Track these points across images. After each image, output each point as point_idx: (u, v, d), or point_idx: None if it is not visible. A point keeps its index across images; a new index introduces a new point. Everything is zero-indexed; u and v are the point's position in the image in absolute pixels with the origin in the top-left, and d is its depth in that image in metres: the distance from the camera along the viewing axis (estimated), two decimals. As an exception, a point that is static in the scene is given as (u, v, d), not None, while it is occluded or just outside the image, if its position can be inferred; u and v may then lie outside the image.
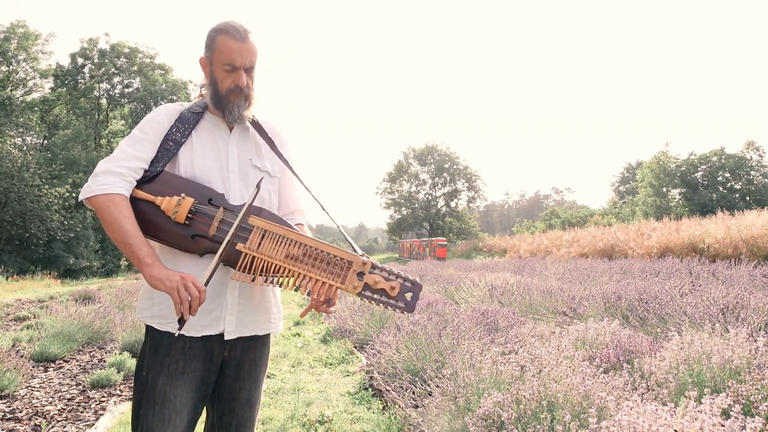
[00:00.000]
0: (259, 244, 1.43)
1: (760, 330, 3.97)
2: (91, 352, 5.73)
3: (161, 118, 1.57)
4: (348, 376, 4.66)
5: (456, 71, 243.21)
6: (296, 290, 1.45)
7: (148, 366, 1.48)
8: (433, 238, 37.47)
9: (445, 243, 35.44)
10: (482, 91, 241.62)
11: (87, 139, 32.41)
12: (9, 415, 3.52)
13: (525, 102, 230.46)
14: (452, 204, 51.93)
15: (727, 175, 34.30)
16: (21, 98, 32.13)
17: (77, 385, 4.33)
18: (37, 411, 3.63)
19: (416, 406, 3.38)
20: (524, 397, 2.34)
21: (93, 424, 3.39)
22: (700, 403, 1.87)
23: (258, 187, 1.48)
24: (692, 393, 1.89)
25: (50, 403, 3.83)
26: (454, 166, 51.80)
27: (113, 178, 1.45)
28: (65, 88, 33.93)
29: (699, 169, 34.96)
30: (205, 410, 1.63)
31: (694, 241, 13.65)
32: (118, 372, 4.46)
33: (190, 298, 1.36)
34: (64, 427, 3.35)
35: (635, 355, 3.30)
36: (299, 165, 1.71)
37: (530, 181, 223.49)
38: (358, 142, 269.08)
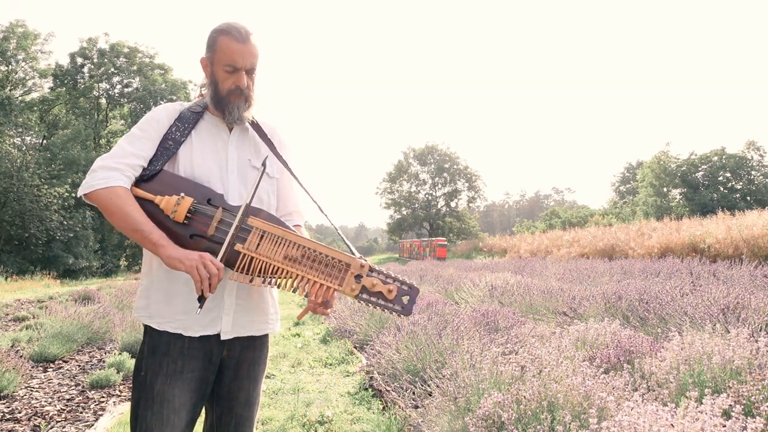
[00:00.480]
0: (258, 244, 1.43)
1: (760, 330, 3.96)
2: (90, 352, 5.73)
3: (161, 116, 1.57)
4: (348, 376, 4.65)
5: (456, 71, 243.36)
6: (294, 291, 1.44)
7: (147, 366, 1.48)
8: (433, 238, 37.48)
9: (445, 243, 35.44)
10: (482, 91, 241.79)
11: (86, 138, 32.41)
12: (8, 416, 3.51)
13: (525, 102, 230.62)
14: (452, 204, 51.95)
15: (728, 175, 34.31)
16: (20, 98, 32.14)
17: (76, 385, 4.33)
18: (37, 411, 3.62)
19: (416, 407, 3.37)
20: (524, 397, 2.33)
21: (92, 425, 3.39)
22: (701, 403, 1.86)
23: (264, 164, 1.49)
24: (693, 393, 1.88)
25: (49, 403, 3.82)
26: (455, 166, 51.80)
27: (111, 172, 1.44)
28: (64, 88, 33.94)
29: (700, 169, 34.97)
30: (204, 410, 1.63)
31: (694, 241, 13.65)
32: (118, 372, 4.46)
33: (209, 276, 1.36)
34: (64, 427, 3.35)
35: (636, 355, 3.30)
36: (299, 166, 1.71)
37: (530, 181, 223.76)
38: (358, 142, 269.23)
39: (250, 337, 1.60)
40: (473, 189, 51.81)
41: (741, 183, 34.18)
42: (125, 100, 35.73)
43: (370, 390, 4.07)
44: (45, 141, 32.39)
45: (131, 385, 1.53)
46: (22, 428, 3.29)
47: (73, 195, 27.43)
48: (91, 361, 5.26)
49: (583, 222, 37.73)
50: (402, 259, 38.40)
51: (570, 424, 2.03)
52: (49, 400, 3.90)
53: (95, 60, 34.35)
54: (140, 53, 35.32)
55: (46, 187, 26.09)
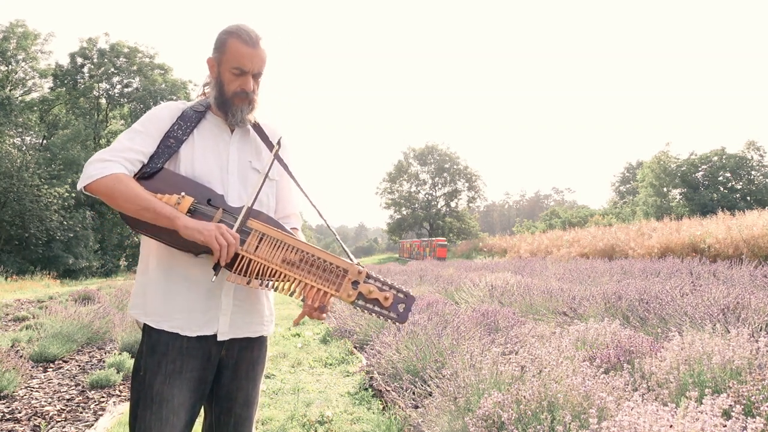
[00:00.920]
0: (257, 247, 1.44)
1: (761, 330, 3.96)
2: (90, 352, 5.73)
3: (163, 114, 1.57)
4: (348, 376, 4.65)
5: (456, 71, 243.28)
6: (291, 295, 1.45)
7: (146, 366, 1.48)
8: (433, 238, 37.48)
9: (445, 243, 35.44)
10: (482, 91, 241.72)
11: (86, 138, 32.40)
12: (8, 416, 3.51)
13: (525, 102, 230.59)
14: (452, 204, 51.95)
15: (728, 175, 34.30)
16: (20, 98, 32.12)
17: (76, 385, 4.32)
18: (36, 411, 3.62)
19: (416, 407, 3.37)
20: (524, 397, 2.33)
21: (92, 425, 3.38)
22: (701, 403, 1.86)
23: (274, 154, 1.50)
24: (693, 393, 1.88)
25: (49, 403, 3.82)
26: (455, 166, 51.80)
27: (108, 163, 1.44)
28: (64, 88, 33.92)
29: (700, 169, 34.96)
30: (202, 410, 1.63)
31: (694, 241, 13.65)
32: (118, 372, 4.46)
33: (228, 245, 1.38)
34: (64, 427, 3.35)
35: (636, 355, 3.30)
36: (299, 166, 1.71)
37: (530, 181, 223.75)
38: (358, 142, 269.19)
39: (249, 338, 1.60)
40: (473, 189, 51.82)
41: (741, 183, 34.17)
42: (125, 100, 35.72)
43: (370, 390, 4.07)
44: (45, 141, 32.37)
45: (130, 385, 1.52)
46: (22, 428, 3.29)
47: (73, 195, 27.42)
48: (91, 361, 5.26)
49: (583, 222, 37.73)
50: (402, 259, 38.39)
51: (570, 424, 2.03)
52: (49, 400, 3.90)
53: (95, 60, 34.33)
54: (140, 53, 35.31)
55: (46, 187, 26.08)
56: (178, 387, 1.46)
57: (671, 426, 1.67)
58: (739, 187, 33.98)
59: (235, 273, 1.44)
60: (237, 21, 1.59)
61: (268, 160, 1.66)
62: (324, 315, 1.47)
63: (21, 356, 4.55)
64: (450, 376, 2.95)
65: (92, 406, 3.79)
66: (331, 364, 5.11)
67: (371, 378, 4.33)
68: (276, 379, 4.55)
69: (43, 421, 3.42)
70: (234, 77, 1.53)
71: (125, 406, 3.74)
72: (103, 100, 35.93)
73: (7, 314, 8.84)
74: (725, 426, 1.65)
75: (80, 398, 3.97)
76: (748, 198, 32.87)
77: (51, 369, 4.89)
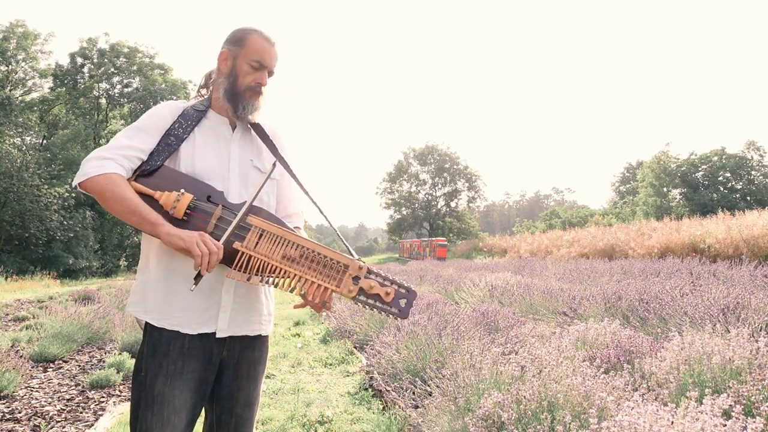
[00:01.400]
0: (257, 243, 1.43)
1: (761, 330, 3.96)
2: (90, 352, 5.73)
3: (164, 112, 1.57)
4: (348, 376, 4.65)
5: (456, 71, 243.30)
6: (291, 291, 1.44)
7: (147, 366, 1.48)
8: (433, 238, 37.47)
9: (445, 243, 35.44)
10: (482, 91, 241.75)
11: (86, 139, 32.39)
12: (8, 416, 3.51)
13: (525, 102, 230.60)
14: (452, 204, 51.95)
15: (728, 175, 34.30)
16: (20, 98, 32.12)
17: (76, 385, 4.33)
18: (37, 411, 3.62)
19: (416, 407, 3.37)
20: (524, 397, 2.33)
21: (92, 425, 3.38)
22: (701, 403, 1.86)
23: (274, 165, 1.50)
24: (693, 393, 1.88)
25: (49, 403, 3.82)
26: (455, 166, 51.81)
27: (106, 161, 1.44)
28: (64, 88, 33.92)
29: (700, 169, 34.96)
30: (203, 410, 1.63)
31: (694, 241, 13.65)
32: (118, 372, 4.46)
33: (209, 254, 1.36)
34: (64, 427, 3.35)
35: (636, 355, 3.30)
36: (298, 166, 1.71)
37: (530, 181, 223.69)
38: (358, 142, 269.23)
39: (250, 338, 1.60)
40: (473, 189, 51.83)
41: (741, 183, 34.17)
42: (125, 100, 35.72)
43: (370, 390, 4.07)
44: (45, 141, 32.37)
45: (131, 386, 1.52)
46: (22, 428, 3.29)
47: (73, 195, 27.42)
48: (91, 361, 5.26)
49: (583, 222, 37.73)
50: (402, 259, 38.39)
51: (570, 424, 2.03)
52: (49, 400, 3.90)
53: (95, 60, 34.33)
54: (140, 53, 35.31)
55: (46, 187, 26.08)
56: (180, 388, 1.46)
57: (671, 426, 1.67)
58: (739, 187, 33.98)
59: (235, 270, 1.43)
60: (238, 21, 1.59)
61: (269, 160, 1.66)
62: (325, 309, 1.47)
63: (21, 356, 4.56)
64: (450, 376, 2.95)
65: (92, 406, 3.79)
66: (331, 364, 5.10)
67: (371, 378, 4.33)
68: (276, 379, 4.55)
69: (43, 421, 3.42)
70: (251, 70, 1.56)
71: (125, 406, 3.74)
72: (103, 100, 35.93)
73: (7, 314, 8.84)
74: (725, 426, 1.65)
75: (80, 398, 3.97)
76: (748, 198, 32.87)
77: (51, 369, 4.89)
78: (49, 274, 23.23)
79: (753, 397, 2.20)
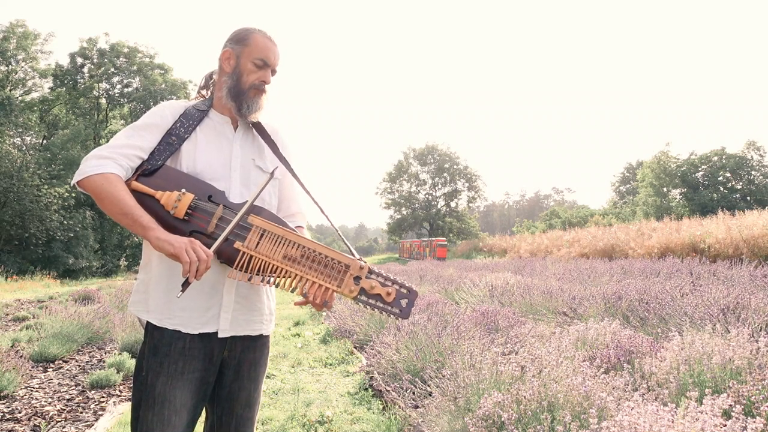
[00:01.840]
0: (258, 243, 1.43)
1: (761, 330, 3.96)
2: (90, 352, 5.73)
3: (165, 112, 1.57)
4: (348, 376, 4.65)
5: (456, 71, 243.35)
6: (293, 291, 1.44)
7: (148, 366, 1.48)
8: (433, 238, 37.47)
9: (445, 243, 35.43)
10: (482, 91, 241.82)
11: (86, 139, 32.38)
12: (8, 416, 3.51)
13: (525, 102, 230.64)
14: (452, 204, 51.93)
15: (728, 175, 34.31)
16: (20, 98, 32.11)
17: (76, 385, 4.32)
18: (37, 411, 3.62)
19: (416, 407, 3.37)
20: (524, 397, 2.33)
21: (92, 425, 3.38)
22: (701, 403, 1.86)
23: (272, 174, 1.50)
24: (693, 393, 1.88)
25: (49, 403, 3.82)
26: (455, 166, 51.79)
27: (104, 161, 1.44)
28: (64, 88, 33.91)
29: (700, 169, 34.97)
30: (204, 410, 1.63)
31: (694, 241, 13.65)
32: (118, 372, 4.46)
33: (198, 262, 1.35)
34: (64, 427, 3.35)
35: (636, 355, 3.30)
36: (299, 166, 1.71)
37: (530, 181, 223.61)
38: (358, 142, 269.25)
39: (251, 338, 1.60)
40: (473, 189, 51.81)
41: (741, 183, 34.19)
42: (125, 100, 35.71)
43: (370, 390, 4.07)
44: (45, 141, 32.37)
45: (132, 386, 1.52)
46: (22, 428, 3.29)
47: (73, 195, 27.42)
48: (91, 361, 5.26)
49: (583, 222, 37.72)
50: (402, 260, 38.39)
51: (570, 424, 2.03)
52: (49, 400, 3.90)
53: (95, 60, 34.33)
54: (140, 53, 35.31)
55: (46, 187, 26.07)
56: (180, 388, 1.46)
57: (671, 426, 1.67)
58: (739, 187, 34.00)
59: (236, 270, 1.43)
60: (238, 21, 1.60)
61: (270, 159, 1.66)
62: (326, 308, 1.47)
63: (21, 356, 4.56)
64: (450, 376, 2.95)
65: (92, 406, 3.79)
66: (331, 364, 5.11)
67: (371, 378, 4.33)
68: (276, 379, 4.55)
69: (43, 421, 3.42)
70: (255, 68, 1.57)
71: (125, 406, 3.74)
72: (103, 100, 35.93)
73: (7, 314, 8.85)
74: (725, 426, 1.65)
75: (80, 398, 3.97)
76: (748, 198, 32.88)
77: (51, 369, 4.89)
78: (49, 274, 23.23)
79: (753, 397, 2.20)
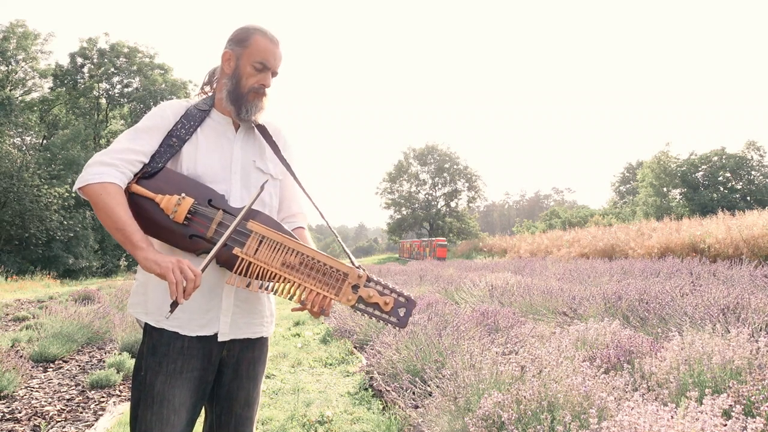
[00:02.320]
0: (256, 249, 1.43)
1: (761, 330, 3.96)
2: (90, 352, 5.72)
3: (166, 113, 1.55)
4: (348, 376, 4.65)
5: (456, 71, 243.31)
6: (290, 299, 1.44)
7: (146, 366, 1.48)
8: (433, 238, 37.46)
9: (445, 243, 35.43)
10: (482, 91, 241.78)
11: (86, 138, 32.40)
12: (8, 416, 3.51)
13: (525, 102, 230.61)
14: (452, 204, 51.93)
15: (728, 175, 34.32)
16: (20, 98, 32.13)
17: (76, 385, 4.32)
18: (37, 411, 3.62)
19: (416, 407, 3.37)
20: (524, 397, 2.33)
21: (92, 425, 3.38)
22: (701, 403, 1.86)
23: (261, 188, 1.48)
24: (693, 393, 1.88)
25: (49, 403, 3.82)
26: (455, 166, 51.79)
27: (107, 168, 1.43)
28: (64, 88, 33.93)
29: (700, 169, 34.98)
30: (203, 410, 1.63)
31: (694, 241, 13.64)
32: (118, 372, 4.46)
33: (185, 282, 1.33)
34: (64, 427, 3.35)
35: (636, 355, 3.30)
36: (300, 165, 1.71)
37: (530, 181, 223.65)
38: (358, 142, 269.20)
39: (251, 339, 1.60)
40: (473, 189, 51.80)
41: (741, 183, 34.20)
42: (125, 100, 35.72)
43: (370, 390, 4.07)
44: (45, 141, 32.38)
45: (131, 385, 1.51)
46: (22, 428, 3.29)
47: (73, 195, 27.42)
48: (91, 361, 5.26)
49: (583, 222, 37.72)
50: (402, 259, 38.38)
51: (570, 424, 2.03)
52: (49, 400, 3.90)
53: (95, 60, 34.34)
54: (140, 53, 35.32)
55: (46, 187, 26.08)
56: (179, 387, 1.46)
57: (671, 426, 1.67)
58: (739, 187, 34.00)
59: (235, 274, 1.43)
60: (238, 21, 1.58)
61: (271, 159, 1.65)
62: (323, 315, 1.47)
63: (21, 356, 4.56)
64: (450, 376, 2.95)
65: (92, 406, 3.79)
66: (331, 364, 5.10)
67: (371, 378, 4.33)
68: (276, 379, 4.55)
69: (43, 421, 3.42)
70: (255, 72, 1.54)
71: (125, 406, 3.74)
72: (103, 100, 35.94)
73: (7, 314, 8.85)
74: (725, 426, 1.65)
75: (80, 398, 3.97)
76: (748, 198, 32.89)
77: (51, 369, 4.89)
78: (49, 274, 23.23)
79: (753, 397, 2.20)
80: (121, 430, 3.26)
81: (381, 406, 3.64)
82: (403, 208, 51.68)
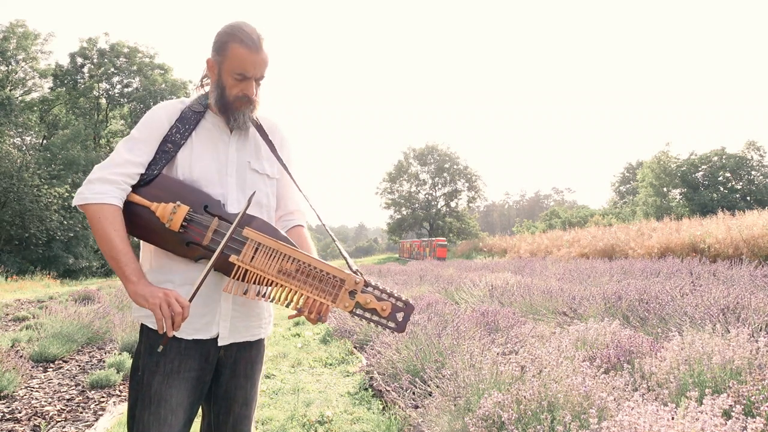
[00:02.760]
0: (252, 257, 1.43)
1: (760, 330, 3.96)
2: (90, 352, 5.72)
3: (161, 117, 1.54)
4: (348, 376, 4.65)
5: (456, 71, 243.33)
6: (287, 306, 1.44)
7: (144, 366, 1.48)
8: (433, 238, 37.46)
9: (445, 243, 35.42)
10: (482, 91, 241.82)
11: (86, 139, 32.39)
12: (8, 416, 3.51)
13: (525, 102, 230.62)
14: (452, 204, 51.93)
15: (728, 175, 34.32)
16: (20, 98, 32.13)
17: (76, 385, 4.32)
18: (37, 411, 3.62)
19: (416, 407, 3.37)
20: (524, 397, 2.33)
21: (92, 425, 3.38)
22: (701, 403, 1.86)
23: (249, 202, 1.46)
24: (693, 393, 1.88)
25: (49, 403, 3.82)
26: (455, 166, 51.79)
27: (108, 186, 1.43)
28: (64, 88, 33.93)
29: (700, 169, 34.98)
30: (201, 409, 1.62)
31: (694, 241, 13.64)
32: (118, 372, 4.46)
33: (173, 315, 1.36)
34: (64, 427, 3.35)
35: (636, 355, 3.30)
36: (300, 163, 1.69)
37: (530, 181, 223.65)
38: (358, 142, 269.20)
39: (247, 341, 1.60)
40: (473, 189, 51.80)
41: (741, 183, 34.20)
42: (125, 100, 35.72)
43: (370, 390, 4.07)
44: (45, 141, 32.38)
45: (129, 385, 1.52)
46: (22, 428, 3.29)
47: (73, 195, 27.34)
48: (91, 361, 5.26)
49: (583, 222, 37.71)
50: (402, 259, 38.38)
51: (570, 424, 2.03)
52: (49, 400, 3.90)
53: (95, 60, 34.35)
54: (140, 53, 35.32)
55: (46, 187, 26.08)
56: (176, 387, 1.46)
57: (671, 426, 1.67)
58: (739, 187, 34.00)
59: (233, 279, 1.44)
60: (231, 18, 1.55)
61: (267, 158, 1.64)
62: (321, 321, 1.47)
63: (21, 356, 4.56)
64: (450, 376, 2.95)
65: (92, 406, 3.79)
66: (331, 364, 5.10)
67: (371, 378, 4.33)
68: (276, 379, 4.55)
69: (43, 421, 3.42)
70: (236, 82, 1.50)
71: (125, 406, 3.74)
72: (103, 100, 35.94)
73: (7, 314, 8.85)
74: (725, 426, 1.65)
75: (80, 398, 3.97)
76: (748, 198, 32.88)
77: (51, 369, 4.89)
78: (49, 274, 23.23)
79: (753, 397, 2.20)
80: (121, 430, 3.26)
81: (381, 406, 3.64)
82: (403, 208, 51.68)
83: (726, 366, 2.59)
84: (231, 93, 1.51)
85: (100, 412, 3.65)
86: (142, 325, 1.52)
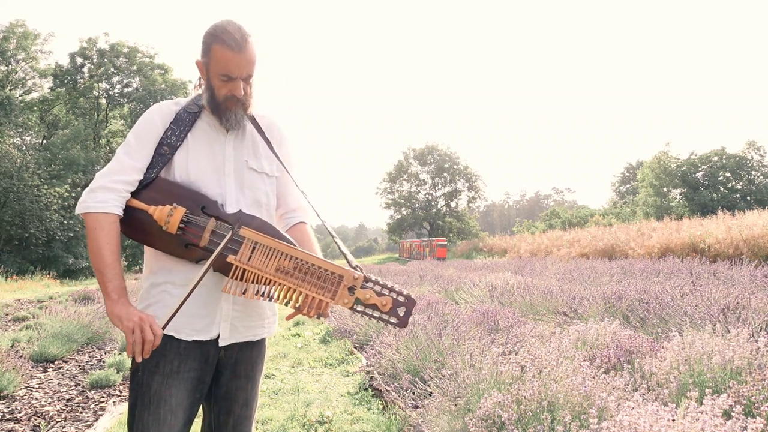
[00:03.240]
0: (250, 256, 1.42)
1: (761, 330, 3.96)
2: (90, 352, 5.73)
3: (155, 120, 1.53)
4: (348, 376, 4.65)
5: (456, 71, 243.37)
6: (286, 304, 1.43)
7: (143, 366, 1.47)
8: (433, 238, 37.47)
9: (445, 243, 35.43)
10: (482, 91, 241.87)
11: (86, 138, 32.38)
12: (8, 416, 3.51)
13: (525, 102, 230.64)
14: (452, 204, 51.94)
15: (728, 175, 34.32)
16: (20, 98, 32.13)
17: (76, 385, 4.32)
18: (36, 411, 3.62)
19: (416, 407, 3.37)
20: (524, 397, 2.33)
21: (92, 425, 3.39)
22: (701, 403, 1.86)
23: (232, 232, 1.45)
24: (693, 393, 1.88)
25: (49, 403, 3.82)
26: (455, 166, 51.80)
27: (109, 195, 1.44)
28: (64, 88, 33.92)
29: (700, 169, 34.97)
30: (201, 409, 1.62)
31: (694, 241, 13.64)
32: (118, 372, 4.46)
33: (144, 341, 1.36)
34: (63, 427, 3.35)
35: (636, 355, 3.29)
36: (299, 160, 1.69)
37: (530, 181, 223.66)
38: (358, 142, 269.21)
39: (248, 341, 1.60)
40: (473, 189, 51.81)
41: (741, 183, 34.19)
42: (125, 100, 35.72)
43: (370, 390, 4.07)
44: (45, 141, 32.37)
45: (129, 386, 1.52)
46: (22, 428, 3.29)
47: (73, 195, 27.45)
48: (91, 361, 5.26)
49: (583, 222, 37.71)
50: (402, 259, 38.38)
51: (570, 424, 2.03)
52: (49, 400, 3.90)
53: (95, 60, 34.34)
54: (140, 53, 35.31)
55: (46, 187, 26.08)
56: (176, 387, 1.46)
57: (671, 426, 1.67)
58: (739, 187, 34.00)
59: (230, 281, 1.43)
60: (238, 20, 1.54)
61: (266, 156, 1.63)
62: (322, 318, 1.46)
63: (21, 356, 4.56)
64: (450, 376, 2.95)
65: (92, 406, 3.79)
66: (331, 364, 5.10)
67: (371, 378, 4.33)
68: (276, 379, 4.55)
69: (43, 421, 3.42)
70: (223, 83, 1.49)
71: (125, 406, 3.74)
72: (103, 100, 35.93)
73: (7, 314, 8.85)
74: (725, 426, 1.65)
75: (80, 398, 3.97)
76: (748, 198, 32.89)
77: (51, 369, 4.89)
78: (49, 274, 23.23)
79: (753, 397, 2.20)
80: (120, 430, 3.26)
81: (381, 406, 3.64)
82: (403, 208, 51.69)
83: (726, 366, 2.59)
84: (220, 94, 1.51)
85: (99, 412, 3.65)
86: None
